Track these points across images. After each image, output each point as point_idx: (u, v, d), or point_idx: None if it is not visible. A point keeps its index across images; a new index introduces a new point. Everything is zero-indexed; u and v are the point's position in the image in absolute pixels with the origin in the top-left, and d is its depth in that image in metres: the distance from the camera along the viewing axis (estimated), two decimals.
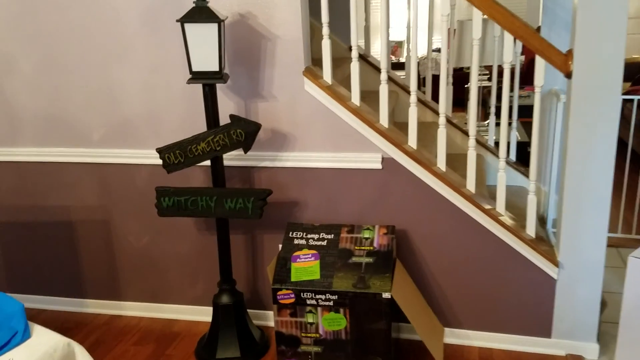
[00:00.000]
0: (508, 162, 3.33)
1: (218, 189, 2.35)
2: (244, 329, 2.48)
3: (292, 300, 2.24)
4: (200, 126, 2.53)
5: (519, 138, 3.61)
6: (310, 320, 2.26)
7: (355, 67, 2.39)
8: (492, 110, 3.28)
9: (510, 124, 3.15)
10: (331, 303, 2.22)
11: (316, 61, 2.52)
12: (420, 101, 3.34)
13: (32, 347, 1.83)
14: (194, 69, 2.20)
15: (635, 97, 3.49)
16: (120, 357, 2.55)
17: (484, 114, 5.62)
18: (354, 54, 2.38)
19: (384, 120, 2.42)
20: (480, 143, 3.35)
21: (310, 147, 2.49)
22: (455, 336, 2.56)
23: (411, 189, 2.43)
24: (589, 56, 2.12)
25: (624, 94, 4.68)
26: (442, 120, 2.37)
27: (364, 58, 3.37)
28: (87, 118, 2.67)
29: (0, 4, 2.58)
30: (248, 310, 2.66)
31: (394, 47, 8.14)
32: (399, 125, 3.19)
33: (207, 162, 2.46)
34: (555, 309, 2.43)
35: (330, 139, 2.46)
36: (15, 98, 2.70)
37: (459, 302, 2.52)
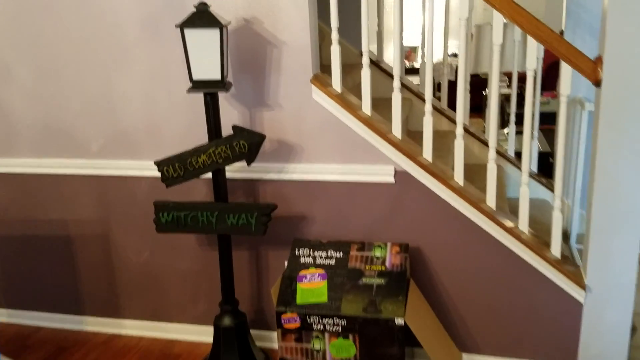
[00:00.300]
0: (530, 174, 3.15)
1: (220, 203, 2.21)
2: (247, 353, 2.34)
3: (298, 324, 2.09)
4: (203, 137, 2.39)
5: (541, 148, 3.44)
6: (317, 346, 2.11)
7: (366, 74, 2.24)
8: (512, 118, 3.11)
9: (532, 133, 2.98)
10: (339, 329, 2.07)
11: (326, 67, 2.38)
12: (435, 109, 3.18)
13: None
14: (195, 77, 2.06)
15: None
16: None
17: (502, 121, 5.44)
18: (365, 60, 2.23)
19: (396, 130, 2.27)
20: (499, 153, 3.19)
21: (319, 158, 2.34)
22: None
23: (426, 204, 2.27)
24: (620, 63, 1.95)
25: None
26: (459, 130, 2.21)
27: (376, 64, 3.22)
28: (86, 128, 2.55)
29: None
30: (252, 331, 2.51)
31: (408, 52, 7.99)
32: (413, 134, 3.04)
33: (210, 175, 2.32)
34: (581, 335, 2.24)
35: (339, 150, 2.31)
36: (12, 106, 2.59)
37: (478, 326, 2.35)
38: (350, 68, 2.86)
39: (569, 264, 2.26)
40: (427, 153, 2.25)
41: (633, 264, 2.13)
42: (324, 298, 2.12)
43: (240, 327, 2.33)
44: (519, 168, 3.16)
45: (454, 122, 3.17)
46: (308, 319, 2.09)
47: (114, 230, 2.67)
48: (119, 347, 2.65)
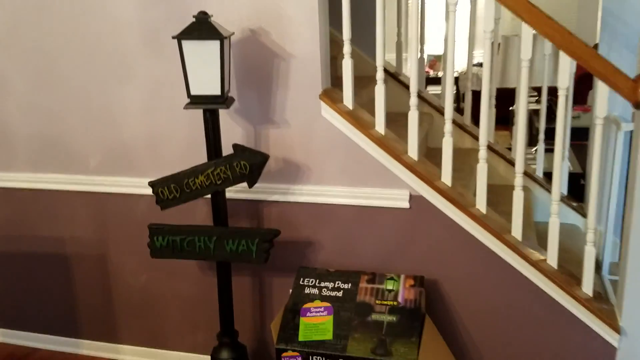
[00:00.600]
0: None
1: (218, 228, 2.04)
2: None
3: None
4: (206, 154, 2.24)
5: (571, 168, 3.20)
6: None
7: (380, 90, 2.06)
8: (541, 137, 2.88)
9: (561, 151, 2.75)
10: None
11: (339, 79, 2.21)
12: (457, 124, 2.98)
13: None
14: (193, 92, 1.91)
15: None
16: None
17: (529, 138, 5.17)
18: (379, 75, 2.05)
19: (412, 151, 2.08)
20: (527, 174, 2.96)
21: (327, 180, 2.16)
22: None
23: (444, 232, 2.07)
24: None
25: None
26: (482, 153, 2.01)
27: (394, 77, 3.03)
28: (84, 142, 2.42)
29: None
30: None
31: (432, 61, 7.76)
32: (433, 151, 2.84)
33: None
34: None
35: (349, 171, 2.13)
36: (8, 118, 2.48)
37: None
38: (367, 81, 2.68)
39: (602, 302, 2.03)
40: (446, 177, 2.05)
41: None
42: (329, 335, 1.93)
43: None
44: (548, 190, 2.94)
45: (477, 138, 2.96)
46: (311, 359, 1.90)
47: (112, 250, 2.53)
48: None
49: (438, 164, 2.21)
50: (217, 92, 1.90)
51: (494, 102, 2.76)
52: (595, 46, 2.73)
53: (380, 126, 2.09)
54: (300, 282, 2.11)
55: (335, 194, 2.16)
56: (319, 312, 2.00)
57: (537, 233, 2.60)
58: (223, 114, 2.18)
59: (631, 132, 2.06)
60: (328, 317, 1.99)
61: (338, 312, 1.99)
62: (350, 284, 2.06)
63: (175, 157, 2.32)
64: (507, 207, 2.44)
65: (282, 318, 2.03)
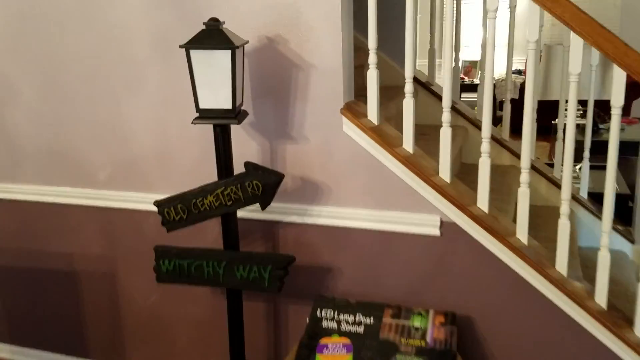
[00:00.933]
0: None
1: (228, 252, 1.88)
2: None
3: None
4: None
5: (618, 189, 2.93)
6: None
7: (409, 105, 1.86)
8: (587, 154, 2.63)
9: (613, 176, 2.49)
10: None
11: (364, 89, 2.02)
12: (494, 139, 2.75)
13: None
14: (202, 105, 1.75)
15: None
16: None
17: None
18: (408, 89, 1.85)
19: (444, 172, 1.87)
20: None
21: (348, 201, 1.98)
22: None
23: (479, 264, 1.85)
24: None
25: None
26: (525, 177, 1.79)
27: (426, 86, 2.83)
28: (93, 155, 2.29)
29: None
30: None
31: (468, 68, 7.49)
32: (467, 167, 2.62)
33: None
34: None
35: (373, 193, 1.94)
36: (16, 129, 2.37)
37: None
38: (395, 91, 2.48)
39: None
40: (483, 202, 1.83)
41: None
42: None
43: None
44: (593, 213, 2.68)
45: (516, 155, 2.73)
46: None
47: (121, 268, 2.39)
48: None
49: (473, 182, 2.00)
50: (228, 105, 1.73)
51: (535, 115, 2.52)
52: None
53: (408, 144, 1.89)
54: (317, 314, 1.92)
55: (357, 217, 1.97)
56: (337, 349, 1.81)
57: (581, 260, 2.35)
58: (237, 128, 2.02)
59: None
60: (347, 355, 1.79)
61: (359, 350, 1.80)
62: (372, 318, 1.86)
63: (187, 171, 2.17)
64: (549, 231, 2.21)
65: (296, 354, 1.84)
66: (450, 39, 1.78)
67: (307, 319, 1.93)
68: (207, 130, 2.07)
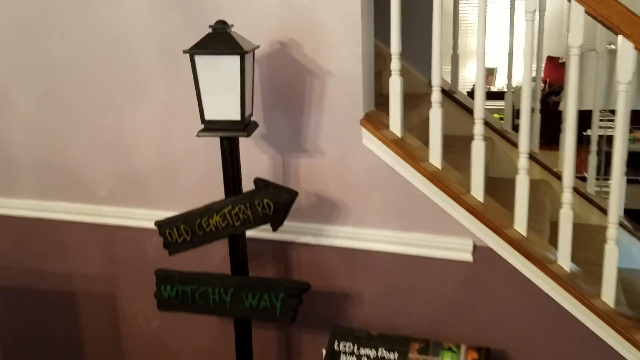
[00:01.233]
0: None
1: (236, 278, 1.70)
2: None
3: None
4: None
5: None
6: None
7: (436, 115, 1.67)
8: (623, 169, 2.41)
9: None
10: None
11: (386, 98, 1.84)
12: None
13: None
14: (207, 116, 1.58)
15: None
16: None
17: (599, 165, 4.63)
18: (436, 97, 1.67)
19: (477, 191, 1.68)
20: (602, 209, 2.51)
21: (368, 221, 1.80)
22: None
23: (516, 293, 1.66)
24: None
25: None
26: (567, 197, 1.59)
27: (449, 94, 2.64)
28: (93, 168, 2.13)
29: None
30: None
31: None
32: (494, 182, 2.43)
33: None
34: None
35: (396, 212, 1.75)
36: (12, 140, 2.22)
37: None
38: (416, 100, 2.30)
39: None
40: (521, 224, 1.64)
41: None
42: None
43: None
44: (632, 233, 2.47)
45: (547, 168, 2.53)
46: None
47: (122, 289, 2.23)
48: None
49: (501, 198, 1.82)
50: (237, 116, 1.56)
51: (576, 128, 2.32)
52: None
53: (435, 158, 1.70)
54: (335, 347, 1.73)
55: (379, 239, 1.79)
56: None
57: (622, 285, 2.15)
58: (246, 140, 1.85)
59: None
60: None
61: None
62: (397, 354, 1.67)
63: (192, 187, 2.00)
64: (587, 253, 2.02)
65: None
66: (483, 46, 1.60)
67: (324, 351, 1.75)
68: (214, 142, 1.89)
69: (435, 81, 1.66)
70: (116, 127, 2.06)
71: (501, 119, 2.87)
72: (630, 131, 4.47)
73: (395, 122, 1.73)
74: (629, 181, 2.64)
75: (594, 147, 2.52)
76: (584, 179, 2.61)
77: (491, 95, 6.60)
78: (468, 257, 1.68)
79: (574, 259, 1.76)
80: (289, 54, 1.76)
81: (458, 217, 1.67)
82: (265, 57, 1.79)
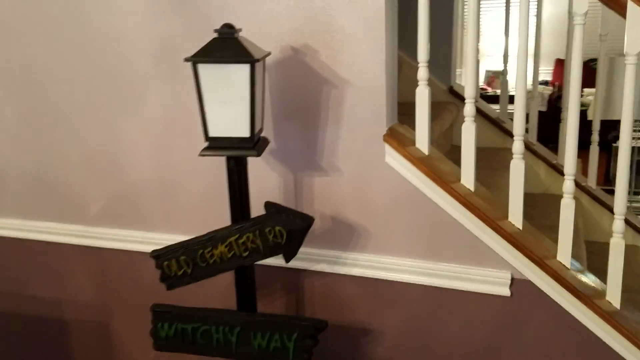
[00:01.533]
0: None
1: (244, 315, 1.51)
2: None
3: None
4: None
5: None
6: None
7: (469, 131, 1.49)
8: None
9: None
10: None
11: (401, 107, 1.65)
12: (549, 164, 2.37)
13: None
14: (212, 133, 1.38)
15: None
16: None
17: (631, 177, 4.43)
18: (469, 111, 1.48)
19: (516, 217, 1.49)
20: (632, 225, 2.33)
21: (391, 249, 1.61)
22: None
23: (559, 332, 1.47)
24: None
25: None
26: (619, 225, 1.40)
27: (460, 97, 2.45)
28: (84, 185, 1.94)
29: None
30: None
31: (491, 78, 7.11)
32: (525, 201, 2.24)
33: None
34: None
35: (423, 239, 1.57)
36: None
37: None
38: (435, 109, 2.09)
39: None
40: (565, 255, 1.45)
41: None
42: None
43: None
44: None
45: (578, 185, 2.34)
46: None
47: (116, 318, 2.04)
48: None
49: (531, 218, 1.62)
50: (245, 133, 1.37)
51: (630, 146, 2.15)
52: None
53: (468, 179, 1.51)
54: None
55: (403, 269, 1.60)
56: None
57: None
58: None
59: None
60: None
61: None
62: None
63: (194, 208, 1.81)
64: (632, 279, 1.84)
65: None
66: (524, 51, 1.41)
67: None
68: (218, 159, 1.70)
69: (470, 92, 1.47)
70: (109, 141, 1.86)
71: None
72: None
73: (422, 138, 1.54)
74: None
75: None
76: (610, 192, 2.42)
77: (495, 99, 6.44)
78: (505, 291, 1.49)
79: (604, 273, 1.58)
80: (303, 61, 1.57)
81: (494, 245, 1.48)
82: (275, 64, 1.60)
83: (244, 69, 1.31)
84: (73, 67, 1.84)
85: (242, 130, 1.37)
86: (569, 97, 1.41)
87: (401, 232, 1.59)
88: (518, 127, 1.44)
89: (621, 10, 1.33)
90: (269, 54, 1.44)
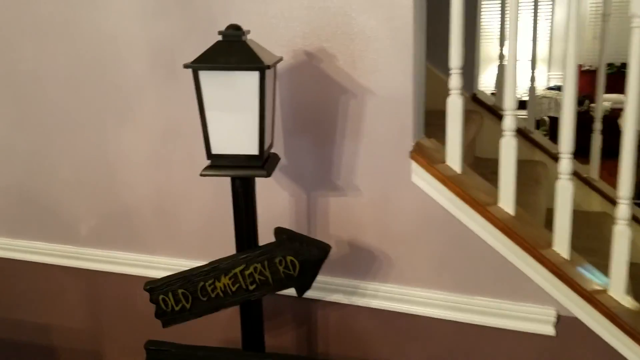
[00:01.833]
0: None
1: (249, 355, 1.33)
2: None
3: None
4: None
5: None
6: None
7: (510, 147, 1.30)
8: None
9: None
10: None
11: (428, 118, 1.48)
12: (578, 177, 2.19)
13: None
14: (215, 150, 1.21)
15: None
16: None
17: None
18: (508, 124, 1.29)
19: (562, 245, 1.30)
20: None
21: (416, 279, 1.43)
22: None
23: None
24: None
25: None
26: None
27: (493, 111, 2.28)
28: (74, 203, 1.77)
29: None
30: None
31: None
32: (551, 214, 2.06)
33: None
34: None
35: (453, 269, 1.38)
36: None
37: None
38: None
39: None
40: (618, 289, 1.27)
41: None
42: None
43: None
44: None
45: (607, 198, 2.16)
46: None
47: (108, 347, 1.87)
48: None
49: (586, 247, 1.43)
50: (253, 150, 1.19)
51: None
52: None
53: (508, 202, 1.33)
54: None
55: (430, 302, 1.42)
56: None
57: None
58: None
59: None
60: None
61: None
62: None
63: (194, 229, 1.64)
64: None
65: None
66: (574, 57, 1.23)
67: None
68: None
69: (510, 104, 1.29)
70: (102, 154, 1.69)
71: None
72: None
73: (453, 154, 1.36)
74: None
75: None
76: None
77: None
78: (549, 330, 1.31)
79: None
80: (318, 67, 1.39)
81: (537, 278, 1.30)
82: (287, 70, 1.42)
83: (252, 77, 1.13)
84: (62, 72, 1.67)
85: (249, 147, 1.19)
86: (625, 109, 1.22)
87: (428, 261, 1.40)
88: (565, 143, 1.26)
89: None
90: (280, 59, 1.26)
